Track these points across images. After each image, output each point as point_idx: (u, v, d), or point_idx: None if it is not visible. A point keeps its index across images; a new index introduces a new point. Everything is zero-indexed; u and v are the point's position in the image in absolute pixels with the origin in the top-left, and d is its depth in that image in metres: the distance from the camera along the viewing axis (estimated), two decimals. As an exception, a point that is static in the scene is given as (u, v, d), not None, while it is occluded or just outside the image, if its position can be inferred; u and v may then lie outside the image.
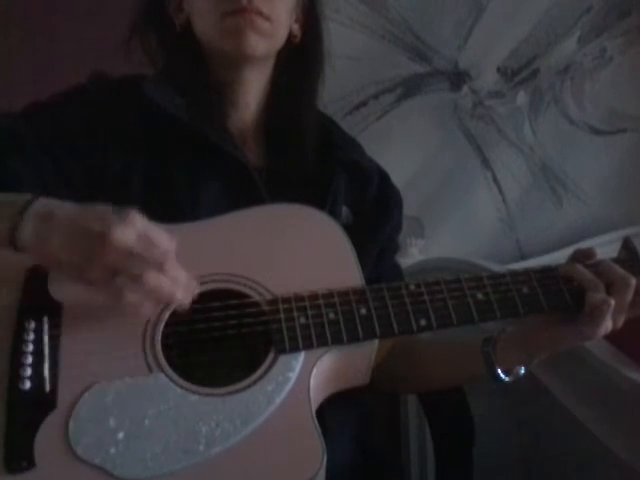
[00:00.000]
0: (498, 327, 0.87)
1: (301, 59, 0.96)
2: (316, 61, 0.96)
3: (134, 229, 0.66)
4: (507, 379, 0.86)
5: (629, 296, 0.79)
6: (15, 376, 0.68)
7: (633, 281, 0.78)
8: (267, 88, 0.95)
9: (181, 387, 0.70)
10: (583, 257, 0.83)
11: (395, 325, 0.76)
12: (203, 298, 0.74)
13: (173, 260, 0.68)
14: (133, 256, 0.65)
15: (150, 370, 0.70)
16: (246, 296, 0.76)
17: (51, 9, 1.51)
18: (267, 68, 0.94)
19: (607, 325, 0.78)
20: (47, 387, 0.68)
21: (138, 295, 0.66)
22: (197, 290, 0.72)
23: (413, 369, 0.96)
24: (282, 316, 0.74)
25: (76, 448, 0.65)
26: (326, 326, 0.74)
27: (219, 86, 0.92)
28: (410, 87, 1.76)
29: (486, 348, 0.85)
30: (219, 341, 0.74)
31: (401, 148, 1.73)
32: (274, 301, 0.75)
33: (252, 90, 0.93)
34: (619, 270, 0.79)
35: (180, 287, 0.69)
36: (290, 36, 0.94)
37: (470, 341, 0.88)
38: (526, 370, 0.86)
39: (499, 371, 0.85)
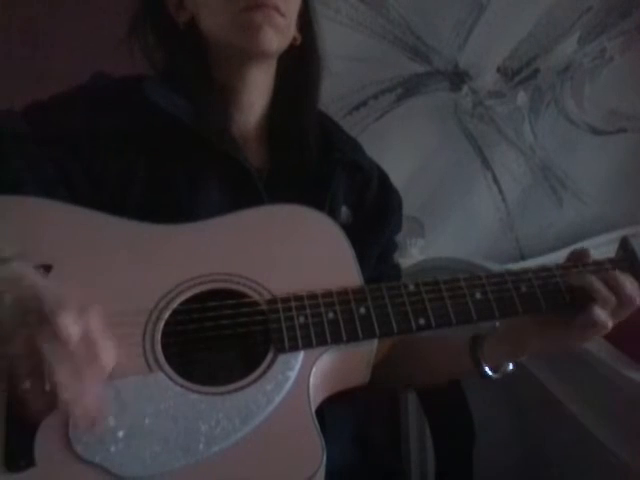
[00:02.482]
0: (492, 324, 0.87)
1: (300, 61, 0.96)
2: (314, 63, 0.97)
3: (83, 324, 0.61)
4: (495, 375, 0.86)
5: (628, 314, 0.79)
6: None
7: (638, 302, 0.78)
8: (270, 89, 0.95)
9: (181, 386, 0.70)
10: (581, 258, 0.84)
11: (394, 325, 0.76)
12: (202, 298, 0.75)
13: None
14: (66, 354, 0.60)
15: (150, 369, 0.70)
16: (245, 296, 0.76)
17: (51, 9, 1.52)
18: (271, 69, 0.94)
19: (597, 336, 0.80)
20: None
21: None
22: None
23: (410, 364, 0.96)
24: (281, 315, 0.74)
25: (76, 447, 0.65)
26: (325, 326, 0.74)
27: (222, 87, 0.91)
28: (410, 87, 1.76)
29: (473, 345, 0.86)
30: (218, 340, 0.75)
31: (401, 148, 1.73)
32: (273, 301, 0.75)
33: (256, 91, 0.93)
34: (629, 290, 0.78)
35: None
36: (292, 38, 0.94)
37: (460, 337, 0.89)
38: (514, 367, 0.87)
39: (486, 368, 0.86)
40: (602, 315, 0.77)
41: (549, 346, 0.85)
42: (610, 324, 0.77)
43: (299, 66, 0.96)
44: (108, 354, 0.64)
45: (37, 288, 0.63)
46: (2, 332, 0.61)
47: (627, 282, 0.78)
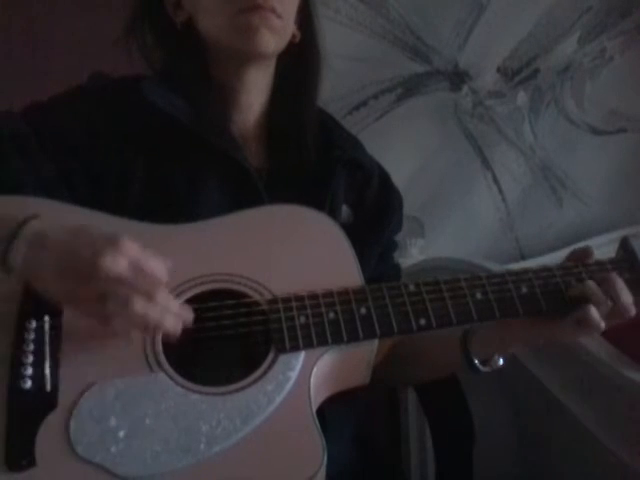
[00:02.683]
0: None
1: (300, 58, 0.96)
2: (314, 61, 0.96)
3: (125, 256, 0.65)
4: (484, 369, 0.86)
5: (621, 319, 0.79)
6: (16, 375, 0.68)
7: (633, 312, 0.79)
8: (269, 89, 0.95)
9: (182, 386, 0.70)
10: (583, 255, 0.84)
11: (395, 325, 0.76)
12: (203, 298, 0.75)
13: (163, 289, 0.68)
14: (122, 283, 0.65)
15: (151, 369, 0.70)
16: (246, 296, 0.76)
17: (51, 9, 1.51)
18: (270, 68, 0.94)
19: (588, 335, 0.80)
20: (48, 386, 0.68)
21: (125, 321, 0.66)
22: (191, 317, 0.71)
23: (409, 363, 0.96)
24: (282, 316, 0.74)
25: (77, 447, 0.65)
26: (326, 326, 0.74)
27: (221, 87, 0.91)
28: (410, 87, 1.75)
29: (464, 339, 0.86)
30: (219, 340, 0.75)
31: (401, 148, 1.73)
32: (274, 301, 0.75)
33: (254, 91, 0.93)
34: (626, 298, 0.79)
35: (169, 316, 0.68)
36: (291, 37, 0.94)
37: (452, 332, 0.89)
38: (504, 362, 0.87)
39: (476, 361, 0.86)
40: (596, 316, 0.77)
41: (538, 340, 0.85)
42: (603, 326, 0.78)
43: (298, 63, 0.96)
44: (157, 268, 0.67)
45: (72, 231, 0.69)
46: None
47: (624, 291, 0.79)
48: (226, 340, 0.75)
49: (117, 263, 0.65)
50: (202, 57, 0.91)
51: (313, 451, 0.67)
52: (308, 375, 0.72)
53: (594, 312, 0.77)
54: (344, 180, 0.94)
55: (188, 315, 0.71)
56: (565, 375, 1.13)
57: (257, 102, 0.94)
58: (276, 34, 0.87)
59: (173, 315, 0.69)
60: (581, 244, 0.89)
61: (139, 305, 0.65)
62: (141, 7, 0.94)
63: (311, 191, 0.90)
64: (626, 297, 0.79)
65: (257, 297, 0.76)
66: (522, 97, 1.85)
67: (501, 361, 0.87)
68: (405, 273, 1.04)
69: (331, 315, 0.75)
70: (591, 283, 0.79)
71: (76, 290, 0.66)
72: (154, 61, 0.94)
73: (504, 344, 0.86)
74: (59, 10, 1.51)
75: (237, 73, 0.91)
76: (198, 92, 0.90)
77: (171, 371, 0.71)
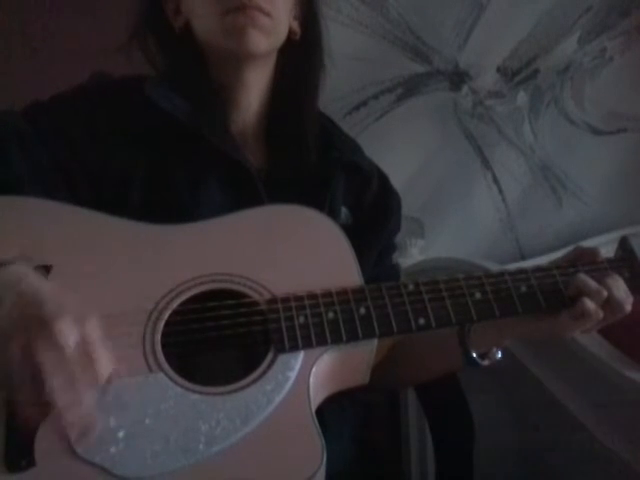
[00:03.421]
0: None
1: (301, 56, 0.96)
2: (316, 58, 0.96)
3: (80, 332, 0.62)
4: (483, 363, 0.87)
5: (616, 318, 0.80)
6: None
7: (628, 309, 0.79)
8: (268, 88, 0.95)
9: (181, 386, 0.70)
10: (589, 256, 0.84)
11: (394, 325, 0.76)
12: (202, 298, 0.75)
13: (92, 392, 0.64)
14: (62, 361, 0.61)
15: (150, 370, 0.70)
16: (245, 296, 0.76)
17: (51, 9, 1.52)
18: (268, 67, 0.94)
19: (584, 329, 0.80)
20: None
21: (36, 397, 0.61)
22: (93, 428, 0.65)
23: (408, 362, 0.96)
24: (281, 316, 0.74)
25: (76, 447, 0.65)
26: (325, 326, 0.74)
27: (220, 87, 0.91)
28: (410, 87, 1.75)
29: (461, 333, 0.86)
30: (218, 340, 0.75)
31: (401, 148, 1.73)
32: (273, 301, 0.75)
33: (253, 90, 0.93)
34: (622, 294, 0.79)
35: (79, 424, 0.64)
36: (290, 34, 0.94)
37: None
38: (502, 355, 0.87)
39: (474, 354, 0.86)
40: (591, 306, 0.77)
41: (536, 334, 0.85)
42: (601, 315, 0.78)
43: (299, 60, 0.96)
44: (104, 363, 0.64)
45: (37, 292, 0.64)
46: (0, 337, 0.61)
47: (618, 283, 0.79)
48: (225, 340, 0.75)
49: (69, 335, 0.60)
50: (201, 59, 0.91)
51: (312, 451, 0.67)
52: (307, 375, 0.72)
53: (588, 302, 0.77)
54: (343, 182, 0.94)
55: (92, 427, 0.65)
56: (565, 375, 1.12)
57: (256, 101, 0.94)
58: (266, 33, 0.87)
59: (80, 426, 0.64)
60: (581, 244, 0.89)
61: (65, 398, 0.61)
62: (143, 13, 0.95)
63: (310, 192, 0.90)
64: (619, 289, 0.79)
65: (256, 297, 0.76)
66: (522, 97, 1.85)
67: (499, 354, 0.87)
68: (405, 273, 1.04)
69: (330, 315, 0.75)
70: (582, 275, 0.80)
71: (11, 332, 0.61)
72: (157, 63, 0.95)
73: (502, 338, 0.86)
74: (59, 11, 1.51)
75: (235, 73, 0.91)
76: (198, 93, 0.90)
77: (170, 371, 0.71)
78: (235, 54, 0.88)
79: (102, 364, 0.64)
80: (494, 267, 1.27)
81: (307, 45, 0.96)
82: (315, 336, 0.74)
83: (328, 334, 0.74)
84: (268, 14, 0.86)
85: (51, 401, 0.61)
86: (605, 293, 0.78)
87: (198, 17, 0.89)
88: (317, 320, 0.74)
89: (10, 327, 0.62)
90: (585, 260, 0.83)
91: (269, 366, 0.72)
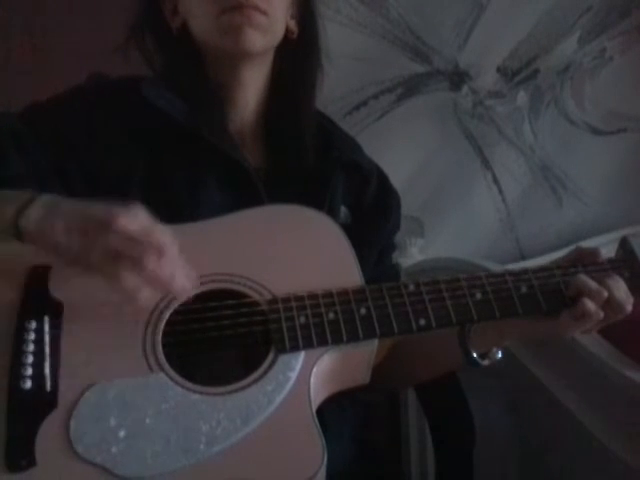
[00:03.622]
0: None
1: (298, 55, 0.96)
2: (313, 57, 0.96)
3: (138, 220, 0.67)
4: (483, 363, 0.87)
5: (617, 318, 0.80)
6: (16, 375, 0.68)
7: (629, 309, 0.79)
8: (266, 87, 0.95)
9: (182, 386, 0.70)
10: (590, 257, 0.84)
11: (395, 325, 0.76)
12: (203, 298, 0.75)
13: (174, 251, 0.69)
14: (134, 241, 0.66)
15: (151, 370, 0.70)
16: (246, 296, 0.76)
17: (51, 9, 1.52)
18: (265, 66, 0.94)
19: (585, 329, 0.80)
20: (48, 386, 0.68)
21: (137, 279, 0.67)
22: (198, 283, 0.72)
23: (409, 362, 0.96)
24: (282, 316, 0.74)
25: (77, 447, 0.65)
26: (326, 326, 0.74)
27: (218, 87, 0.92)
28: (410, 87, 1.75)
29: (462, 333, 0.86)
30: (219, 341, 0.75)
31: (401, 148, 1.73)
32: (274, 301, 0.75)
33: (251, 89, 0.94)
34: (622, 295, 0.79)
35: (180, 275, 0.69)
36: (287, 32, 0.94)
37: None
38: (502, 355, 0.87)
39: (474, 354, 0.86)
40: (592, 307, 0.77)
41: (537, 334, 0.85)
42: (601, 315, 0.78)
43: (296, 60, 0.96)
44: (165, 234, 0.68)
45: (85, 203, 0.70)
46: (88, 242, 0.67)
47: (619, 284, 0.79)
48: (225, 340, 0.75)
49: (130, 223, 0.66)
50: (198, 59, 0.92)
51: (313, 451, 0.67)
52: (308, 375, 0.72)
53: (589, 302, 0.77)
54: (342, 182, 0.94)
55: (196, 278, 0.72)
56: (565, 375, 1.13)
57: (254, 100, 0.94)
58: (262, 31, 0.87)
59: (183, 275, 0.70)
60: (581, 244, 0.89)
61: (151, 261, 0.66)
62: (141, 13, 0.95)
63: (310, 191, 0.90)
64: (619, 289, 0.79)
65: (257, 297, 0.76)
66: (522, 97, 1.85)
67: (499, 354, 0.87)
68: (405, 273, 1.04)
69: (331, 315, 0.75)
70: (583, 276, 0.80)
71: (87, 246, 0.67)
72: (155, 63, 0.95)
73: (502, 338, 0.86)
74: (59, 11, 1.51)
75: (232, 72, 0.91)
76: (196, 93, 0.90)
77: (171, 371, 0.71)
78: (232, 53, 0.89)
79: (166, 235, 0.68)
80: (494, 267, 1.27)
81: (304, 44, 0.96)
82: (316, 336, 0.74)
83: (329, 334, 0.74)
84: (265, 12, 0.86)
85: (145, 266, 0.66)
86: (605, 294, 0.78)
87: (195, 17, 0.90)
88: (318, 320, 0.75)
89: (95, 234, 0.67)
90: (586, 260, 0.83)
91: (270, 366, 0.72)
